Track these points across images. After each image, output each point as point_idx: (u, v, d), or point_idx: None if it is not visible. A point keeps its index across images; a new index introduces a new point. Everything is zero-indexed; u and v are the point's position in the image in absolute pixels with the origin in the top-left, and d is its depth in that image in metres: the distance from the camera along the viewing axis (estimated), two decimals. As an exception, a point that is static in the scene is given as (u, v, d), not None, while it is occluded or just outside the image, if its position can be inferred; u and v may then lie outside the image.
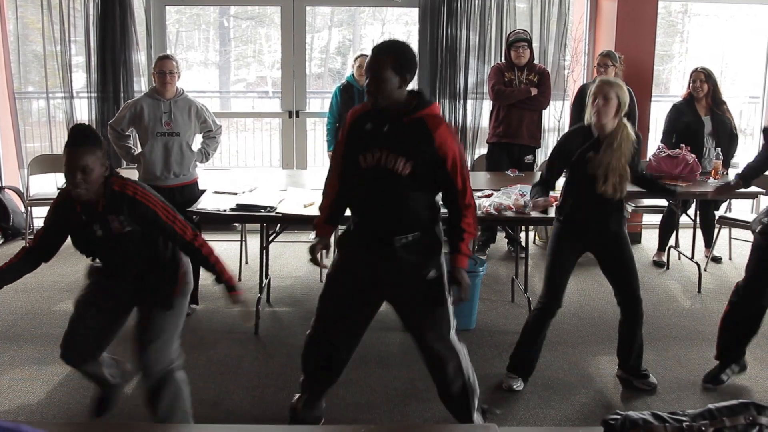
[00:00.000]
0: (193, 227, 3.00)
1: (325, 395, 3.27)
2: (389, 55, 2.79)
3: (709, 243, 6.02)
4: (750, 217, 5.52)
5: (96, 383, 3.28)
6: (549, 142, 6.77)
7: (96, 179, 2.82)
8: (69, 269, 5.42)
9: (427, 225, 2.95)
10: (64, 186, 2.94)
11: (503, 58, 6.08)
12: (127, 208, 2.86)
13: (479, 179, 5.46)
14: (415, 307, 3.01)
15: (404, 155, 2.84)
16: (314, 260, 3.08)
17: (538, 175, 5.44)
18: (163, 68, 4.49)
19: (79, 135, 2.84)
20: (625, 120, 3.56)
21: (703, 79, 5.50)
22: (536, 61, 6.08)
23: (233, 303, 2.99)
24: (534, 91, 5.78)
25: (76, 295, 3.14)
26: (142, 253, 2.98)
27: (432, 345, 3.03)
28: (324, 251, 3.09)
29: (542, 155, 6.57)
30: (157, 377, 2.92)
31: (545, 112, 6.20)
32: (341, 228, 3.33)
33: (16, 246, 6.23)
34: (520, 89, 5.79)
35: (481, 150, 6.56)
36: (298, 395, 3.27)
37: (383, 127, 2.87)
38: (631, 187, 3.74)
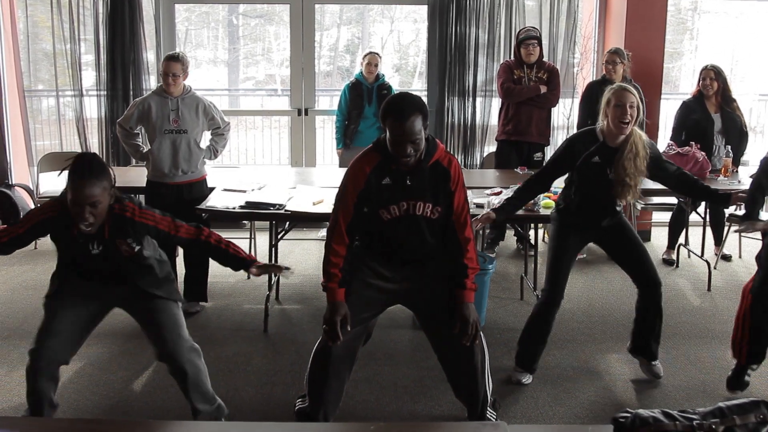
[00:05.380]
0: (197, 225, 3.07)
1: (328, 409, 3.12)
2: (416, 113, 2.78)
3: (718, 241, 5.99)
4: (763, 216, 5.46)
5: (36, 405, 2.99)
6: (558, 140, 6.75)
7: (103, 211, 2.80)
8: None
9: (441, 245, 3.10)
10: (59, 203, 2.86)
11: (512, 56, 6.07)
12: (132, 230, 2.91)
13: (488, 177, 5.45)
14: (439, 302, 3.05)
15: (432, 201, 2.94)
16: (333, 335, 2.85)
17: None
18: (167, 71, 4.47)
19: (85, 167, 2.74)
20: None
21: (713, 76, 5.46)
22: (545, 59, 6.07)
23: (257, 270, 3.03)
24: (543, 89, 5.76)
25: (46, 297, 3.08)
26: (136, 264, 3.01)
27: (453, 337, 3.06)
28: (343, 321, 2.87)
29: (551, 153, 6.54)
30: (185, 358, 3.00)
31: (554, 110, 6.18)
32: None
33: (27, 243, 6.27)
34: (530, 87, 5.77)
35: (490, 147, 6.55)
36: (300, 400, 3.27)
37: (405, 180, 2.91)
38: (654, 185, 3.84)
